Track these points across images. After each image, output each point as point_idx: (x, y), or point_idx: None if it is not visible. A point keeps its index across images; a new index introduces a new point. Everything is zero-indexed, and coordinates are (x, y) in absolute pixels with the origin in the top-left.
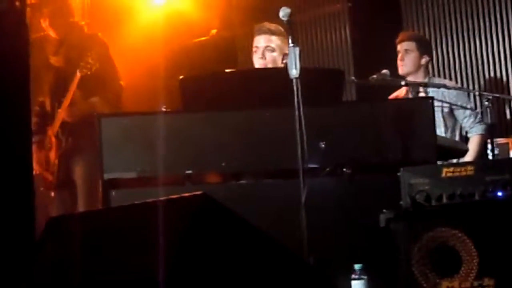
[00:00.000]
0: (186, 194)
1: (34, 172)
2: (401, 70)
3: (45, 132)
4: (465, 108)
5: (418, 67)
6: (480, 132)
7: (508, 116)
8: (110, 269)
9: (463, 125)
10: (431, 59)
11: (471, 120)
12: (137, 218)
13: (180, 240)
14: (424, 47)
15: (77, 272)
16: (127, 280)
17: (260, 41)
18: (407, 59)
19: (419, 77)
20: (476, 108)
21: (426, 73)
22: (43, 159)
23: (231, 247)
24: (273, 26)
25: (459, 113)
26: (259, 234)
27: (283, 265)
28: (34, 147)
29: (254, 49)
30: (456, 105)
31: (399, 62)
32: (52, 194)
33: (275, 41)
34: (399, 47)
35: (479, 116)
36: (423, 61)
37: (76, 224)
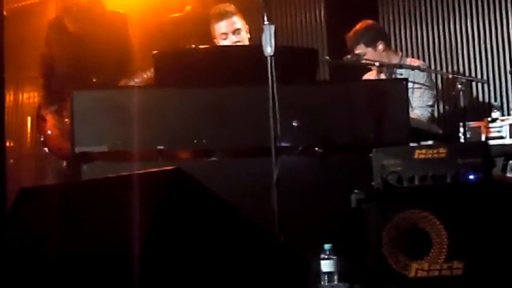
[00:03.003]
0: (160, 169)
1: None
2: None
3: (65, 99)
4: (421, 84)
5: (382, 55)
6: (417, 113)
7: (480, 100)
8: (82, 242)
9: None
10: (385, 39)
11: (418, 98)
12: (111, 192)
13: (154, 214)
14: (370, 37)
15: (48, 245)
16: (100, 254)
17: (226, 27)
18: (368, 58)
19: (392, 60)
20: (449, 91)
21: (395, 53)
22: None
23: (205, 222)
24: (229, 7)
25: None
26: (232, 210)
27: (256, 241)
28: (52, 116)
29: (222, 37)
30: (414, 82)
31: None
32: (64, 163)
33: (237, 21)
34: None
35: (428, 100)
36: (380, 47)
37: (48, 196)
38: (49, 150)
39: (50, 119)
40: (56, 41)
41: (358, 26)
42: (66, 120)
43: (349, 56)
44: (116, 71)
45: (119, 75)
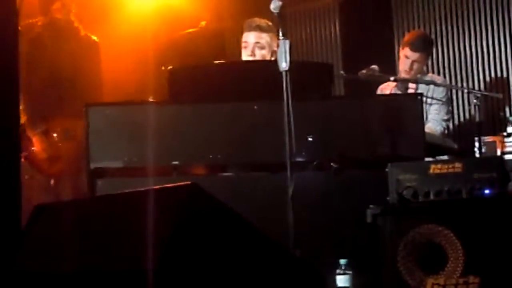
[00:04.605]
0: (176, 184)
1: (39, 163)
2: (404, 75)
3: (49, 120)
4: (438, 100)
5: (420, 72)
6: (430, 127)
7: (495, 114)
8: (97, 259)
9: (428, 114)
10: None
11: (435, 113)
12: (126, 207)
13: (170, 229)
14: (429, 53)
15: (63, 261)
16: (115, 270)
17: (250, 37)
18: (413, 71)
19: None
20: (464, 106)
21: None
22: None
23: (220, 237)
24: (263, 23)
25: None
26: (247, 225)
27: (271, 256)
28: (39, 138)
29: (243, 45)
30: (432, 98)
31: (404, 70)
32: (52, 181)
33: (264, 38)
34: (407, 53)
35: (444, 115)
36: (429, 61)
37: (63, 212)
38: (35, 168)
39: (36, 141)
40: (33, 56)
41: (423, 33)
42: (55, 139)
43: (364, 71)
44: (83, 97)
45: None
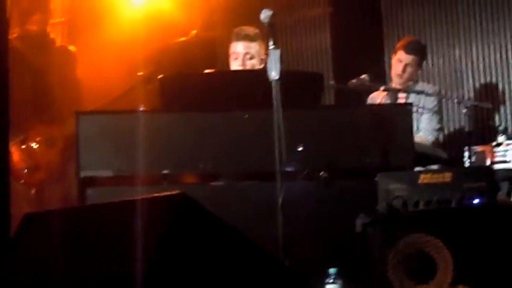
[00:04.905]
0: (165, 193)
1: (18, 173)
2: (396, 83)
3: (29, 129)
4: (429, 109)
5: (412, 79)
6: (421, 136)
7: (485, 124)
8: (87, 267)
9: (420, 124)
10: None
11: (426, 122)
12: (116, 216)
13: (159, 239)
14: (422, 59)
15: (53, 270)
16: (104, 278)
17: (239, 48)
18: (406, 74)
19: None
20: (454, 115)
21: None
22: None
23: (209, 247)
24: (251, 32)
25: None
26: (237, 235)
27: (260, 266)
28: (17, 147)
29: (233, 55)
30: (423, 107)
31: (397, 74)
32: (33, 191)
33: (254, 47)
34: (400, 57)
35: (435, 125)
36: (419, 71)
37: (52, 221)
38: (13, 178)
39: (15, 151)
40: (15, 71)
41: (417, 39)
42: (34, 148)
43: (354, 81)
44: (65, 108)
45: (67, 112)
